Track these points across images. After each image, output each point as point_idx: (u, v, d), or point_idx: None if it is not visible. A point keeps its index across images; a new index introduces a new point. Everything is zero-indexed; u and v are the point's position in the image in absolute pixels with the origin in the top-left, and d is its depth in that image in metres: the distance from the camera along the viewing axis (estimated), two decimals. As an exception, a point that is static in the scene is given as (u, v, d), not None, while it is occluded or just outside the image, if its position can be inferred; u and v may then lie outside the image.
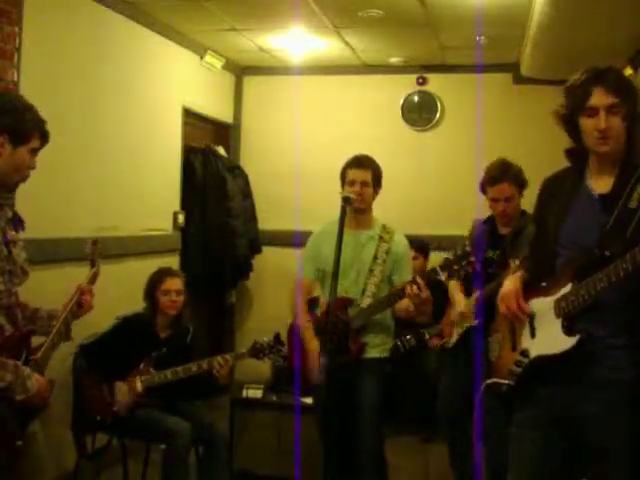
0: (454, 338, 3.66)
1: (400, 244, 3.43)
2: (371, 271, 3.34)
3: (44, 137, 2.32)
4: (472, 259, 3.06)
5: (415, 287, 3.09)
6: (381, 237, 3.40)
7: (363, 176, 3.35)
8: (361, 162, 3.39)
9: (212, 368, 3.50)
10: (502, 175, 3.43)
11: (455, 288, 3.70)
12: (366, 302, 3.30)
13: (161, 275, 3.74)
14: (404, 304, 3.25)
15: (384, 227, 3.44)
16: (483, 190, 3.53)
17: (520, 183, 3.47)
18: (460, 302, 3.62)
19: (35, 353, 2.33)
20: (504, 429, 2.33)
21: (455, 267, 3.07)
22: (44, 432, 2.44)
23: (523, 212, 3.52)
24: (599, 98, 2.03)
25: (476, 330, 3.44)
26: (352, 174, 3.36)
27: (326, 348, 2.88)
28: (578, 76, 2.11)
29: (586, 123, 2.07)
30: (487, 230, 3.57)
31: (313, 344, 3.32)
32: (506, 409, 2.27)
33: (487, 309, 3.37)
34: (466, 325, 3.56)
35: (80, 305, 2.47)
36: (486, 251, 3.43)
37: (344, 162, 3.44)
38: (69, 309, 2.43)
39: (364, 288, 3.32)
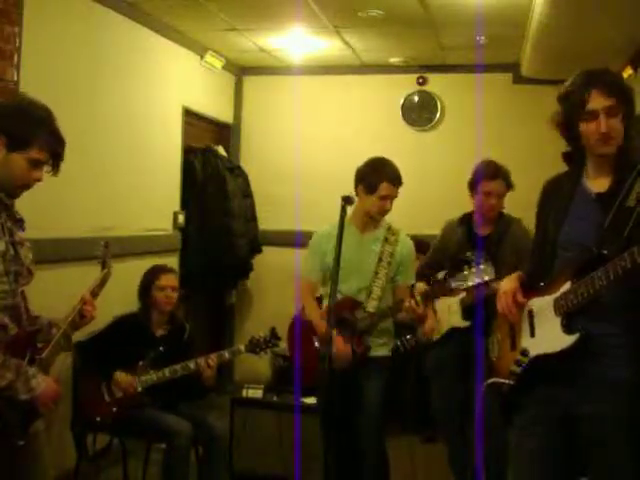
0: (437, 336, 3.66)
1: (405, 246, 3.42)
2: (376, 273, 3.34)
3: (54, 154, 2.26)
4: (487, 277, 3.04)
5: (413, 302, 3.14)
6: (386, 239, 3.39)
7: (396, 192, 3.34)
8: (398, 178, 3.33)
9: (198, 369, 3.51)
10: (498, 172, 3.53)
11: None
12: (372, 304, 3.31)
13: (156, 272, 3.76)
14: (404, 315, 3.31)
15: (389, 228, 3.44)
16: (474, 186, 3.57)
17: (509, 184, 3.57)
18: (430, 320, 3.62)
19: (40, 353, 2.33)
20: (504, 428, 2.33)
21: (470, 283, 3.07)
22: (47, 432, 2.44)
23: (501, 213, 3.61)
24: (597, 101, 2.03)
25: (464, 331, 3.48)
26: (388, 190, 3.29)
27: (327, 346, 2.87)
28: (572, 81, 2.11)
29: (586, 127, 2.06)
30: (464, 231, 3.63)
31: (321, 324, 3.30)
32: (505, 411, 2.28)
33: (474, 311, 3.43)
34: (452, 325, 3.58)
35: (82, 316, 2.46)
36: (465, 253, 3.40)
37: (364, 163, 3.40)
38: (70, 320, 2.42)
39: (370, 291, 3.32)
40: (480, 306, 3.36)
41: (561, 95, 2.14)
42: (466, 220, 3.66)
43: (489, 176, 3.52)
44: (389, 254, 3.36)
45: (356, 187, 3.36)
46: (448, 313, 3.63)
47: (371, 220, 3.39)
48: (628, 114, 2.07)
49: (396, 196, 3.35)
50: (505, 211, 3.68)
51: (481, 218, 3.60)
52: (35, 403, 2.23)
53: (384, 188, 3.28)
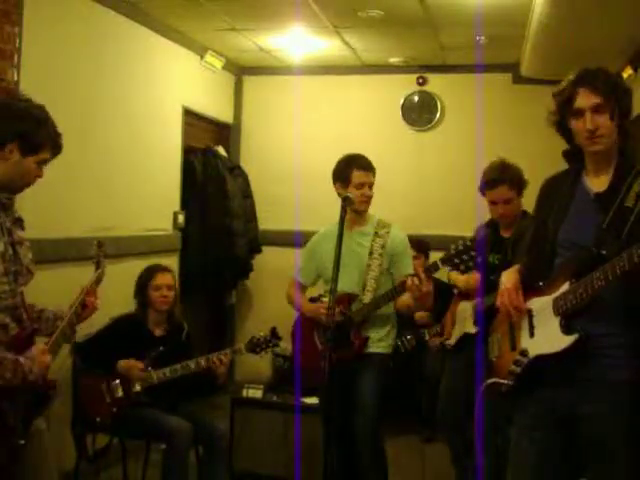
0: (452, 340, 3.66)
1: (396, 238, 3.45)
2: (368, 266, 3.37)
3: (56, 149, 2.34)
4: (473, 253, 3.06)
5: (416, 279, 3.12)
6: (376, 232, 3.43)
7: (370, 178, 3.37)
8: (368, 164, 3.39)
9: (210, 365, 3.51)
10: (500, 178, 3.38)
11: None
12: (368, 297, 3.35)
13: (151, 271, 3.75)
14: (405, 299, 3.31)
15: (379, 222, 3.47)
16: (483, 193, 3.49)
17: (519, 184, 3.41)
18: (459, 280, 3.62)
19: None
20: (504, 428, 2.33)
21: (456, 261, 3.08)
22: (49, 431, 2.44)
23: (524, 213, 3.46)
24: (583, 99, 2.07)
25: (476, 337, 3.44)
26: (361, 177, 3.34)
27: (328, 342, 2.87)
28: (565, 80, 2.15)
29: (575, 124, 2.10)
30: (489, 234, 3.52)
31: (306, 303, 3.57)
32: (504, 411, 2.28)
33: (487, 319, 3.39)
34: (465, 331, 3.57)
35: (84, 306, 2.47)
36: (488, 256, 3.39)
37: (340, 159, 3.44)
38: (74, 310, 2.43)
39: (364, 284, 3.36)
40: (480, 308, 3.35)
41: (555, 93, 2.18)
42: (493, 222, 3.57)
43: (489, 185, 3.41)
44: (380, 246, 3.39)
45: (335, 187, 3.42)
46: (464, 319, 3.62)
47: (358, 215, 3.42)
48: (621, 112, 2.07)
49: (372, 183, 3.39)
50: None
51: (500, 222, 3.51)
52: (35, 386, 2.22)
53: (356, 176, 3.35)
